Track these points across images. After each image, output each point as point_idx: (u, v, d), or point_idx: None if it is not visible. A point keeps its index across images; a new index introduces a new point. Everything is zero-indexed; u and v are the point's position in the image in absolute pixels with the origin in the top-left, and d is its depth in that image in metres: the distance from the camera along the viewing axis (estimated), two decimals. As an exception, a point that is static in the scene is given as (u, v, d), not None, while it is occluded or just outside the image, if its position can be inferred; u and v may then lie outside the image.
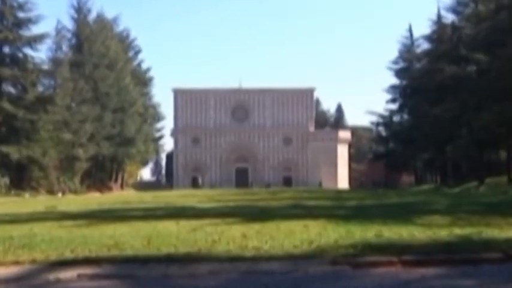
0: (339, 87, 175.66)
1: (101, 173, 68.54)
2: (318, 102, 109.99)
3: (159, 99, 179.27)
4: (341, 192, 46.23)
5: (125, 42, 76.07)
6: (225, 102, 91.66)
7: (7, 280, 7.11)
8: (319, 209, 18.63)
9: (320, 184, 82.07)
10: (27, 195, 46.02)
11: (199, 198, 31.71)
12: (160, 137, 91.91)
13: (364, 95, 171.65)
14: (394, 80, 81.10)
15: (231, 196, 36.36)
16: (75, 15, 63.69)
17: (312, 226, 12.18)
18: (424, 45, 69.98)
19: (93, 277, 7.20)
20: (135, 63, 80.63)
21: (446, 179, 62.22)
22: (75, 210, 20.42)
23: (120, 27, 75.35)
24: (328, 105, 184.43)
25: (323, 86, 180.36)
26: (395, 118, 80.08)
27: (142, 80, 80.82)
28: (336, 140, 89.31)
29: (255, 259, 8.00)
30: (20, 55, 51.30)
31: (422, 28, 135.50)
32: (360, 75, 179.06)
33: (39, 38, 51.71)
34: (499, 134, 48.95)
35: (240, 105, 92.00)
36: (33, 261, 8.03)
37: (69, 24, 63.34)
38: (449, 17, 60.20)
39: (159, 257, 8.24)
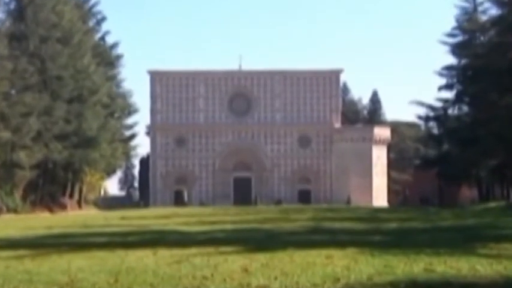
0: (374, 69, 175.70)
1: (51, 186, 68.50)
2: (346, 88, 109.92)
3: (132, 86, 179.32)
4: (377, 211, 46.12)
5: (84, 8, 76.08)
6: (220, 89, 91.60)
7: None
8: (347, 234, 18.56)
9: (349, 200, 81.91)
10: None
11: (185, 220, 31.70)
12: (132, 137, 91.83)
13: (409, 79, 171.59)
14: (449, 59, 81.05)
15: (227, 216, 36.32)
16: (16, -29, 63.68)
17: (337, 257, 12.14)
18: (492, 11, 69.87)
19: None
20: (98, 35, 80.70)
21: (521, 193, 61.99)
22: (15, 236, 20.40)
23: (77, -14, 75.40)
24: (360, 93, 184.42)
25: (352, 67, 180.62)
26: (452, 110, 79.87)
27: (108, 59, 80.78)
28: (371, 141, 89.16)
29: (261, 302, 7.98)
30: None
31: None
32: (402, 52, 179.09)
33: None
34: None
35: (240, 92, 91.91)
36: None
37: (7, -18, 63.32)
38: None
39: (130, 299, 8.22)
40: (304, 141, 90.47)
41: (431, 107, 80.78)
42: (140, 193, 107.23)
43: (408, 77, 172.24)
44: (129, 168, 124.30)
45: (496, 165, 68.36)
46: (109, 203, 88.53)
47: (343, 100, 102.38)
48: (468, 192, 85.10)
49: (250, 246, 14.79)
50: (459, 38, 76.55)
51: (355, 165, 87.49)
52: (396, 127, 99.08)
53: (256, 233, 20.54)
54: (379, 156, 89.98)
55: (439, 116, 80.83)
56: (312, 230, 21.29)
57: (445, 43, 77.23)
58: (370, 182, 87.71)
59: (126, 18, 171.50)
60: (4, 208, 54.38)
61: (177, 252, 13.59)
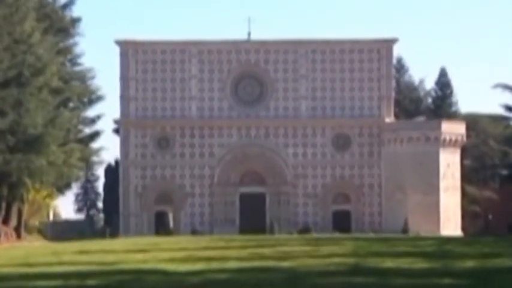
0: (442, 39, 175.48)
1: (-21, 206, 68.87)
2: (401, 66, 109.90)
3: (94, 63, 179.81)
4: (447, 242, 46.17)
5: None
6: (221, 67, 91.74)
7: None
8: (403, 276, 18.61)
9: (406, 227, 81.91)
10: None
11: (171, 255, 31.79)
12: (95, 136, 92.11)
13: (490, 54, 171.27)
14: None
15: (231, 250, 36.42)
16: None
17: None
18: None
19: None
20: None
21: None
22: None
23: None
24: (422, 73, 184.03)
25: (411, 36, 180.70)
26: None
27: (59, 24, 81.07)
28: (437, 141, 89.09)
29: None
30: None
31: None
32: (481, 15, 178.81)
33: None
34: None
35: (249, 72, 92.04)
36: None
37: None
38: None
39: None
40: (341, 143, 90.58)
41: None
42: (106, 217, 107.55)
43: (489, 50, 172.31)
44: (89, 182, 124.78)
45: None
46: (61, 231, 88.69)
47: (398, 83, 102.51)
48: None
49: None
50: None
51: (414, 176, 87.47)
52: (474, 122, 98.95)
53: (272, 273, 20.64)
54: (450, 164, 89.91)
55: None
56: (352, 270, 21.37)
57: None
58: (436, 201, 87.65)
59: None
60: None
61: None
